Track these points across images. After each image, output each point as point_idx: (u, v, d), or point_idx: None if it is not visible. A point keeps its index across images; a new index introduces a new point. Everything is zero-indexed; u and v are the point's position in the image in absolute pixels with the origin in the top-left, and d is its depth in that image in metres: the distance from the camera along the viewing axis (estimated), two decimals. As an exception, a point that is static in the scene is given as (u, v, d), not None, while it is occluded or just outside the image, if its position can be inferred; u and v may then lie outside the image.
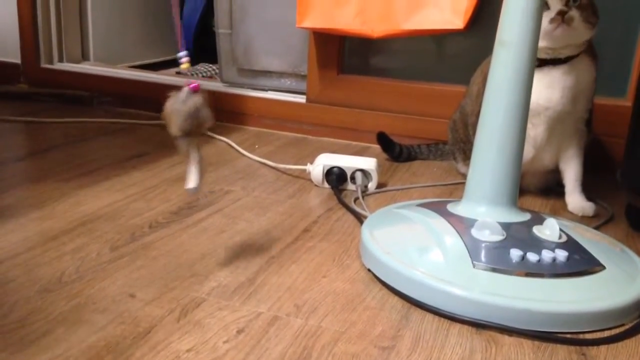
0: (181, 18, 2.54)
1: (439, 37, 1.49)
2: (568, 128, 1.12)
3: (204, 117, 0.78)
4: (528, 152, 1.13)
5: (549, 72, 1.07)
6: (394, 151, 1.39)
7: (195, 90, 0.78)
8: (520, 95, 0.85)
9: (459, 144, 1.29)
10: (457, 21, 1.35)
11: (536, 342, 0.72)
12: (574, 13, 1.01)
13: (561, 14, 1.00)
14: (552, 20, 1.00)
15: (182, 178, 1.20)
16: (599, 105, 1.20)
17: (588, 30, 1.04)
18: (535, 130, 1.11)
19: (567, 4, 1.01)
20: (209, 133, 1.52)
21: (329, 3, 1.45)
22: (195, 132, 0.78)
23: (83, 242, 0.90)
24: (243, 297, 0.78)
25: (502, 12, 0.85)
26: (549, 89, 1.07)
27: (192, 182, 0.80)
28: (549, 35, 1.02)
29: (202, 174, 0.81)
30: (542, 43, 1.02)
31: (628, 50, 1.33)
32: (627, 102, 1.33)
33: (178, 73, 2.23)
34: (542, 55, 1.05)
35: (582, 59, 1.08)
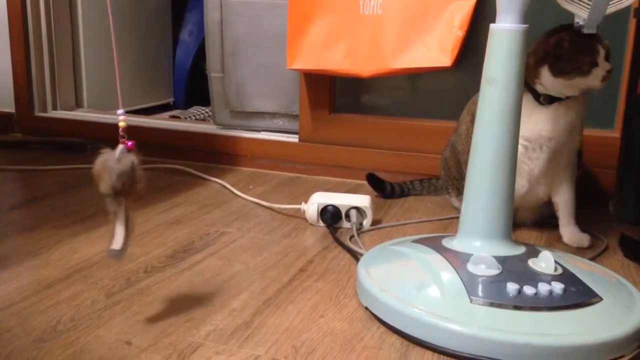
0: (174, 62, 2.58)
1: (428, 75, 1.51)
2: (563, 159, 1.14)
3: (138, 177, 0.76)
4: (522, 186, 1.14)
5: (556, 108, 1.09)
6: (385, 190, 1.40)
7: (130, 149, 0.76)
8: (509, 131, 0.86)
9: (452, 181, 1.30)
10: (444, 59, 1.37)
11: (537, 377, 0.71)
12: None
13: (610, 71, 1.04)
14: (604, 78, 1.04)
15: (177, 222, 1.21)
16: (589, 137, 1.22)
17: None
18: (533, 164, 1.13)
19: (607, 60, 1.05)
20: (203, 175, 1.52)
21: (318, 45, 1.48)
22: (127, 192, 0.76)
23: (78, 290, 0.90)
24: (240, 340, 0.77)
25: (487, 51, 0.87)
26: (554, 122, 1.09)
27: (116, 243, 0.77)
28: (587, 85, 1.05)
29: (128, 236, 0.78)
30: (569, 91, 1.07)
31: (614, 83, 1.35)
32: (615, 133, 1.35)
33: (172, 117, 2.25)
34: (554, 94, 1.08)
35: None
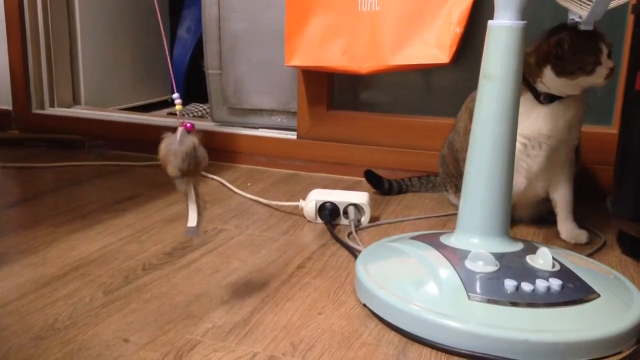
0: (172, 59, 2.57)
1: (425, 71, 1.51)
2: (561, 156, 1.14)
3: (201, 156, 0.79)
4: (521, 182, 1.14)
5: (556, 106, 1.09)
6: (383, 187, 1.40)
7: (190, 130, 0.79)
8: (507, 127, 0.86)
9: (450, 178, 1.30)
10: (442, 55, 1.37)
11: (535, 373, 0.72)
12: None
13: (613, 69, 1.04)
14: (607, 76, 1.04)
15: (175, 219, 1.21)
16: (587, 134, 1.22)
17: None
18: (531, 161, 1.13)
19: (610, 57, 1.05)
20: (202, 172, 1.52)
21: (316, 41, 1.48)
22: (193, 171, 0.79)
23: (76, 287, 0.90)
24: (238, 337, 0.77)
25: (485, 47, 0.87)
26: (553, 120, 1.09)
27: (191, 221, 0.81)
28: (590, 83, 1.05)
29: (201, 213, 0.82)
30: (572, 90, 1.06)
31: (612, 79, 1.35)
32: (613, 129, 1.35)
33: (170, 114, 2.25)
34: (555, 93, 1.08)
35: None
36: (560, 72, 1.04)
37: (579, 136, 1.16)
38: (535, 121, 1.09)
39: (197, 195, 0.81)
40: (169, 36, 2.58)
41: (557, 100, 1.09)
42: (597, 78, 1.04)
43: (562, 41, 1.03)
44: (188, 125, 0.79)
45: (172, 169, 0.78)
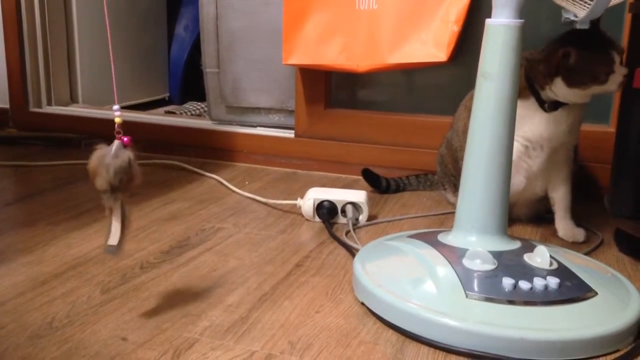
0: (169, 57, 2.57)
1: (423, 70, 1.51)
2: (561, 156, 1.14)
3: (135, 172, 0.76)
4: (520, 182, 1.14)
5: (559, 112, 1.09)
6: (381, 185, 1.40)
7: (127, 145, 0.76)
8: (504, 125, 0.86)
9: (449, 177, 1.30)
10: (440, 54, 1.37)
11: (532, 371, 0.72)
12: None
13: (627, 75, 1.03)
14: (621, 84, 1.03)
15: (173, 217, 1.21)
16: (584, 132, 1.22)
17: None
18: (532, 162, 1.13)
19: (622, 64, 1.04)
20: (199, 170, 1.52)
21: (314, 40, 1.48)
22: (124, 187, 0.76)
23: (73, 286, 0.90)
24: (236, 335, 0.77)
25: (483, 45, 0.87)
26: (556, 125, 1.09)
27: (112, 239, 0.77)
28: (603, 91, 1.04)
29: (124, 232, 0.78)
30: (583, 99, 1.06)
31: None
32: (610, 128, 1.35)
33: (167, 112, 2.25)
34: (563, 100, 1.07)
35: None
36: (571, 83, 1.03)
37: (578, 135, 1.16)
38: (538, 126, 1.09)
39: (123, 213, 0.78)
40: (166, 34, 2.57)
41: (560, 107, 1.08)
42: (611, 86, 1.03)
43: (569, 55, 1.02)
44: (125, 139, 0.76)
45: (101, 182, 0.75)
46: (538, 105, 1.08)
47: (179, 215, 1.22)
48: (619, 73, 1.02)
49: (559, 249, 0.97)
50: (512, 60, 0.85)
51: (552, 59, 1.04)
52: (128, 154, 0.76)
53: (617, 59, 1.02)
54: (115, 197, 0.77)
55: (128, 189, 0.77)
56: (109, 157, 0.75)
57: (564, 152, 1.14)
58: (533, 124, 1.09)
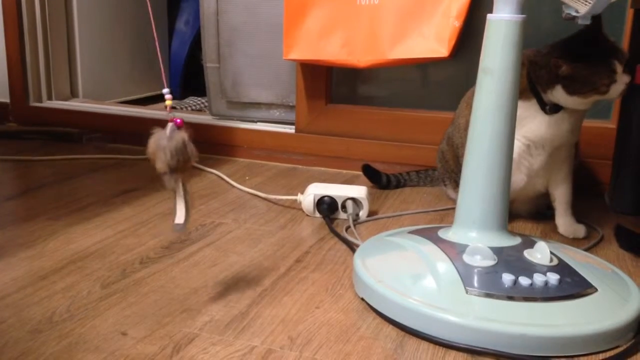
0: (169, 52, 2.56)
1: (424, 65, 1.51)
2: (562, 154, 1.14)
3: (190, 152, 0.78)
4: (521, 180, 1.14)
5: (561, 114, 1.08)
6: (381, 181, 1.40)
7: (180, 126, 0.78)
8: (505, 121, 0.86)
9: (450, 173, 1.30)
10: (441, 49, 1.37)
11: (532, 367, 0.72)
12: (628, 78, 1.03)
13: (630, 82, 1.02)
14: (623, 92, 1.02)
15: (173, 212, 1.20)
16: (585, 128, 1.21)
17: None
18: (533, 160, 1.12)
19: (626, 71, 1.03)
20: (199, 166, 1.52)
21: (315, 35, 1.47)
22: (182, 168, 0.78)
23: (74, 281, 0.90)
24: (236, 331, 0.77)
25: (484, 41, 0.87)
26: (557, 126, 1.08)
27: (179, 218, 0.80)
28: (604, 99, 1.03)
29: (189, 210, 0.81)
30: (584, 106, 1.05)
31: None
32: (611, 124, 1.35)
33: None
34: (564, 105, 1.06)
35: None
36: (571, 92, 1.02)
37: (579, 133, 1.16)
38: (539, 127, 1.08)
39: (185, 192, 0.80)
40: (166, 29, 2.57)
41: (562, 109, 1.08)
42: (612, 95, 1.01)
43: (560, 67, 1.00)
44: (178, 121, 0.78)
45: (160, 165, 0.77)
46: (539, 107, 1.08)
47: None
48: (621, 82, 1.00)
49: (559, 245, 0.97)
50: (513, 55, 0.85)
51: (553, 66, 1.03)
52: (182, 135, 0.78)
53: (619, 68, 1.00)
54: (176, 178, 0.79)
55: (186, 168, 0.79)
56: (165, 140, 0.77)
57: (565, 150, 1.14)
58: (534, 124, 1.08)
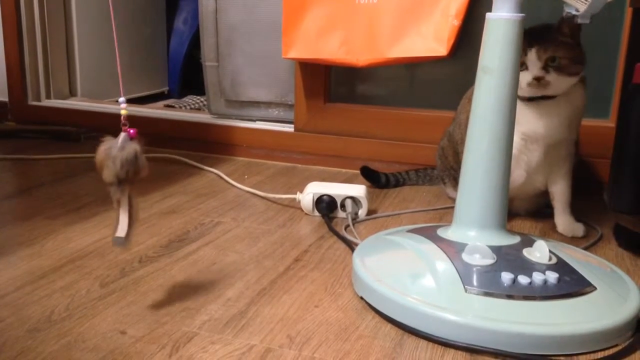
0: (168, 51, 2.56)
1: (423, 64, 1.51)
2: (561, 151, 1.14)
3: (141, 165, 0.76)
4: (520, 176, 1.14)
5: (545, 104, 1.08)
6: (380, 181, 1.40)
7: (133, 137, 0.76)
8: (504, 119, 0.86)
9: (449, 171, 1.30)
10: (440, 48, 1.37)
11: (531, 366, 0.72)
12: (551, 77, 1.03)
13: (537, 79, 1.03)
14: (529, 84, 1.03)
15: (172, 211, 1.21)
16: (584, 127, 1.22)
17: (571, 79, 1.06)
18: (531, 155, 1.13)
19: (545, 67, 1.03)
20: (198, 164, 1.52)
21: (314, 34, 1.47)
22: (131, 180, 0.76)
23: (72, 280, 0.90)
24: (235, 329, 0.77)
25: (483, 39, 0.87)
26: (547, 118, 1.08)
27: (120, 231, 0.77)
28: (526, 90, 1.05)
29: (132, 224, 0.78)
30: (522, 93, 1.05)
31: (610, 72, 1.35)
32: (610, 123, 1.35)
33: (167, 106, 2.25)
34: (527, 95, 1.07)
35: (574, 87, 1.10)
36: None
37: (578, 130, 1.16)
38: (529, 120, 1.09)
39: (131, 205, 0.78)
40: (165, 28, 2.57)
41: (538, 100, 1.07)
42: (521, 85, 1.00)
43: None
44: (131, 131, 0.76)
45: (108, 175, 0.75)
46: (522, 101, 1.08)
47: (178, 209, 1.22)
48: (531, 72, 1.02)
49: (558, 244, 0.97)
50: (513, 54, 0.85)
51: None
52: (134, 147, 0.76)
53: (531, 54, 1.01)
54: (123, 190, 0.77)
55: (135, 181, 0.77)
56: (116, 149, 0.75)
57: (564, 148, 1.14)
58: (524, 117, 1.08)
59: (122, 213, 0.78)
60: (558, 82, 1.05)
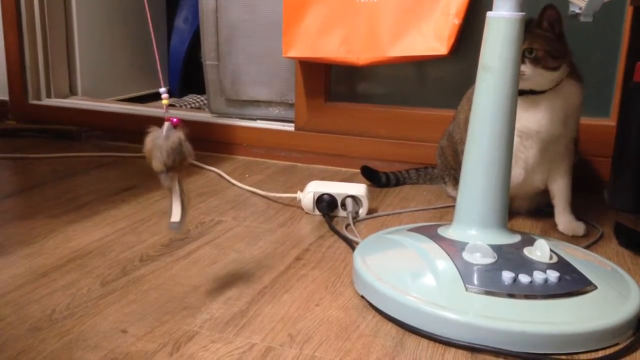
0: (169, 50, 2.56)
1: (424, 63, 1.51)
2: (559, 149, 1.14)
3: (187, 151, 0.79)
4: (519, 174, 1.14)
5: (534, 99, 1.08)
6: (380, 181, 1.40)
7: (176, 125, 0.78)
8: (505, 118, 0.86)
9: (449, 170, 1.30)
10: (440, 47, 1.37)
11: (532, 365, 0.72)
12: (526, 68, 1.04)
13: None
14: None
15: (169, 211, 1.20)
16: (584, 126, 1.22)
17: (551, 73, 1.07)
18: (527, 153, 1.13)
19: (531, 61, 1.03)
20: (198, 163, 1.52)
21: (314, 33, 1.47)
22: (178, 167, 0.78)
23: (73, 278, 0.90)
24: (236, 328, 0.77)
25: (484, 38, 0.87)
26: (538, 114, 1.08)
27: (174, 216, 0.80)
28: None
29: (185, 208, 0.81)
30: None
31: (610, 71, 1.35)
32: (611, 121, 1.35)
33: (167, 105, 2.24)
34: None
35: (567, 83, 1.10)
36: None
37: (577, 128, 1.16)
38: (520, 115, 1.08)
39: (181, 190, 0.81)
40: (165, 26, 2.56)
41: (527, 94, 1.07)
42: None
43: None
44: (174, 120, 0.78)
45: (157, 164, 0.77)
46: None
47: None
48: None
49: (559, 243, 0.97)
50: (513, 53, 0.85)
51: None
52: (178, 135, 0.78)
53: None
54: (172, 177, 0.79)
55: (182, 167, 0.79)
56: (161, 139, 0.77)
57: (563, 145, 1.14)
58: (519, 114, 1.08)
59: (175, 199, 0.81)
60: (535, 75, 1.05)
